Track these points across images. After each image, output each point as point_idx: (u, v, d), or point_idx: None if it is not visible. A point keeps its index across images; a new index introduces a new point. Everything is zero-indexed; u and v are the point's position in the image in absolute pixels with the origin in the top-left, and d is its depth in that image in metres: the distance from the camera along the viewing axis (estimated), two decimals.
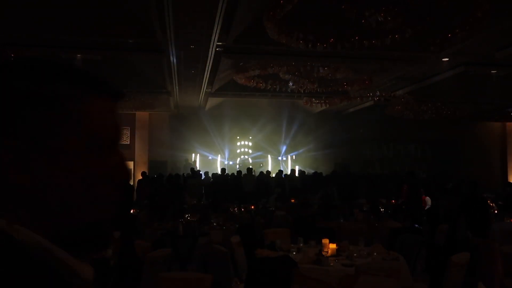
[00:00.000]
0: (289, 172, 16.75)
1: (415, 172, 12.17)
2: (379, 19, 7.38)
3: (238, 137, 20.17)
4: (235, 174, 14.80)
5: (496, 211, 10.29)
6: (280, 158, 20.43)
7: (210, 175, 15.80)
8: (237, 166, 19.05)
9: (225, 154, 19.98)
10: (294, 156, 20.16)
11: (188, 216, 8.59)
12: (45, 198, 0.60)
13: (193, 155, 19.68)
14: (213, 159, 19.86)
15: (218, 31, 8.95)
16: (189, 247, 7.34)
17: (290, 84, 12.85)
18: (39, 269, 0.55)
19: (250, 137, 20.23)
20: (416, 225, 8.36)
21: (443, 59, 11.31)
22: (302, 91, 14.00)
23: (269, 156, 20.27)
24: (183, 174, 16.12)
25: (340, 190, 13.33)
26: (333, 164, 19.41)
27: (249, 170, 14.38)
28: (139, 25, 9.26)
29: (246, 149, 20.35)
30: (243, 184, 13.50)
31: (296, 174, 16.51)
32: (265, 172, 16.01)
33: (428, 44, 8.74)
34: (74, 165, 0.62)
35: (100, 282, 4.44)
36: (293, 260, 4.58)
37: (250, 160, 20.04)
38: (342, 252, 5.13)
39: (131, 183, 13.40)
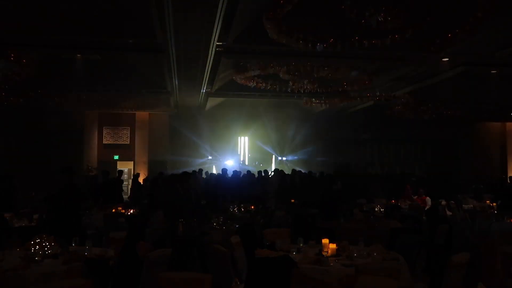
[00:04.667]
0: (288, 172, 16.69)
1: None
2: (379, 19, 7.39)
3: (238, 137, 20.17)
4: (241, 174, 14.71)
5: (495, 211, 10.30)
6: (280, 158, 20.42)
7: (210, 175, 15.75)
8: (238, 166, 19.04)
9: (225, 154, 19.98)
10: (293, 156, 20.15)
11: None
12: None
13: (194, 155, 19.68)
14: (213, 159, 19.86)
15: (218, 31, 8.95)
16: (189, 247, 7.33)
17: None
18: None
19: (250, 137, 20.22)
20: (416, 225, 8.36)
21: (443, 59, 11.31)
22: (302, 91, 14.00)
23: (267, 156, 20.26)
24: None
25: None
26: (333, 164, 19.40)
27: (260, 172, 14.32)
28: (139, 25, 9.26)
29: (246, 149, 20.34)
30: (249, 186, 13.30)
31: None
32: (263, 172, 15.95)
33: (428, 44, 8.74)
34: None
35: (100, 282, 4.44)
36: (293, 260, 4.57)
37: (249, 160, 20.04)
38: (342, 252, 5.12)
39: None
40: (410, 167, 21.25)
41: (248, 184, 12.94)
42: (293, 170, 14.74)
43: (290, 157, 20.28)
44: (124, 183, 15.75)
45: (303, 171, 15.17)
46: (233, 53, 10.82)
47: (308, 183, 12.93)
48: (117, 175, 14.29)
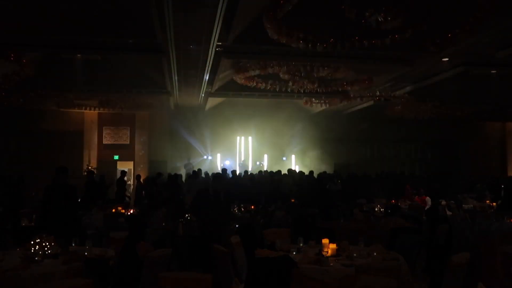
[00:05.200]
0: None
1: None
2: (379, 19, 7.39)
3: (238, 137, 20.16)
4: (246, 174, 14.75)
5: (495, 211, 10.30)
6: (284, 158, 20.41)
7: (210, 175, 15.76)
8: (238, 166, 19.03)
9: (225, 154, 19.96)
10: (293, 156, 20.14)
11: (188, 216, 8.59)
12: None
13: (194, 155, 19.67)
14: (213, 159, 19.85)
15: (218, 31, 8.95)
16: (189, 247, 7.34)
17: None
18: None
19: (250, 137, 20.22)
20: (416, 225, 8.35)
21: (443, 59, 11.32)
22: (302, 91, 14.00)
23: (267, 156, 20.23)
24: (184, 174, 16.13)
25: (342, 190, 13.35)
26: (333, 164, 19.40)
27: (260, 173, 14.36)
28: (139, 25, 9.26)
29: (246, 149, 20.33)
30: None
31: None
32: (263, 172, 15.97)
33: (428, 44, 8.74)
34: None
35: (100, 282, 4.44)
36: (293, 260, 4.58)
37: (250, 160, 20.03)
38: (342, 252, 5.12)
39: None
40: (410, 167, 21.25)
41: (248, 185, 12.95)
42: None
43: (289, 157, 20.25)
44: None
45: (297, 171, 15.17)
46: (233, 53, 10.82)
47: (313, 183, 12.96)
48: (120, 175, 14.32)
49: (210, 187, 10.41)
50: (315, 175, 14.04)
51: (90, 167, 17.84)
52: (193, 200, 9.83)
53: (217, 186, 10.13)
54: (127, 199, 13.76)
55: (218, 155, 19.81)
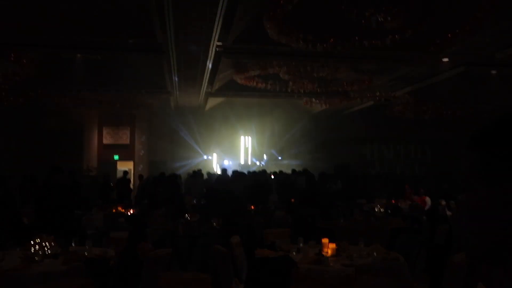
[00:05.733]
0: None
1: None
2: (379, 19, 7.39)
3: (238, 137, 20.17)
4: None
5: None
6: (279, 158, 20.42)
7: (210, 175, 15.78)
8: (239, 166, 19.03)
9: (225, 154, 19.97)
10: (293, 156, 20.14)
11: (188, 216, 8.60)
12: None
13: (193, 155, 19.69)
14: (213, 159, 19.86)
15: (218, 31, 8.95)
16: (189, 247, 7.35)
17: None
18: None
19: (251, 137, 20.23)
20: (416, 225, 8.36)
21: (443, 59, 11.32)
22: (302, 91, 14.00)
23: (267, 156, 20.25)
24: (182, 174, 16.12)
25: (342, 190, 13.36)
26: (333, 164, 19.40)
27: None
28: (139, 25, 9.26)
29: (246, 149, 20.33)
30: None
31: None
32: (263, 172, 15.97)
33: (428, 44, 8.75)
34: None
35: (100, 282, 4.44)
36: (293, 260, 4.58)
37: (250, 160, 20.04)
38: (342, 252, 5.12)
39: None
40: (410, 167, 21.24)
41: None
42: (293, 171, 14.74)
43: (289, 157, 20.26)
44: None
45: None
46: (233, 53, 10.82)
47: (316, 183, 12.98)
48: (122, 175, 14.32)
49: (232, 186, 10.43)
50: (315, 175, 14.04)
51: (90, 167, 17.84)
52: (212, 199, 9.84)
53: (237, 186, 10.11)
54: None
55: (216, 155, 19.81)
